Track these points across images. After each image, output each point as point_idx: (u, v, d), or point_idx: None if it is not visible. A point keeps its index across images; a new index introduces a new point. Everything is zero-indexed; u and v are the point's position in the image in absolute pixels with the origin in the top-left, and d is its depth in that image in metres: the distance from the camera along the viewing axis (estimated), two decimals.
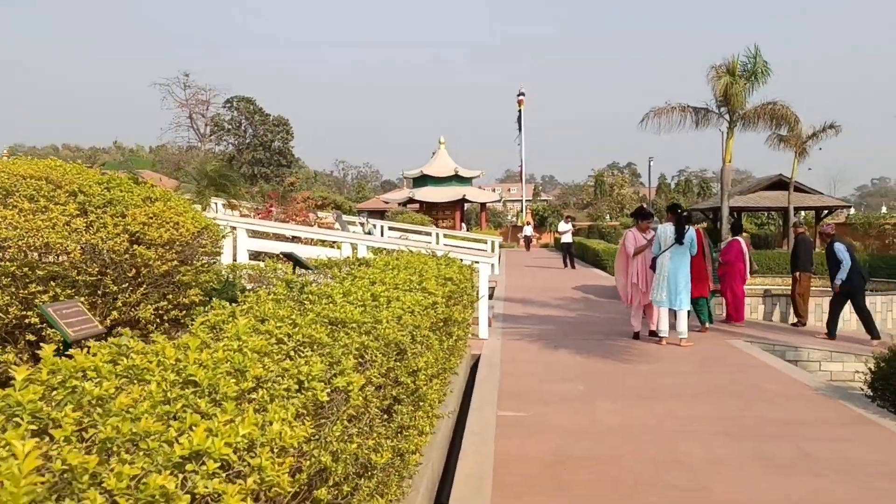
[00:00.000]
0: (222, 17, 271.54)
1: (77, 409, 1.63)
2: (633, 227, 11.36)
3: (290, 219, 14.36)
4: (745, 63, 24.39)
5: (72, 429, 1.51)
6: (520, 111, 55.24)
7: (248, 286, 8.50)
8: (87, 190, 5.21)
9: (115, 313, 5.01)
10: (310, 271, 7.97)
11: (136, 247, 5.10)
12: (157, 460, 1.50)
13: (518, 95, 55.36)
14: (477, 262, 10.46)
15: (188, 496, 1.45)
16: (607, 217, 62.41)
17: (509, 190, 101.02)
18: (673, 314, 10.16)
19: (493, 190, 73.19)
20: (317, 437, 2.29)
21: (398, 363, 3.47)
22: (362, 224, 20.57)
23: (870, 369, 6.90)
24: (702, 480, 4.73)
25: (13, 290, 4.65)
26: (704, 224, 37.08)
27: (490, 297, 16.42)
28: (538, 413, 6.42)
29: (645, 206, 14.56)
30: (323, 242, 12.19)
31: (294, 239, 12.59)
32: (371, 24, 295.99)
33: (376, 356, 3.01)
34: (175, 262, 5.35)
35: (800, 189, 34.80)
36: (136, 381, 1.92)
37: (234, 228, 10.58)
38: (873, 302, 12.90)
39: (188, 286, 5.58)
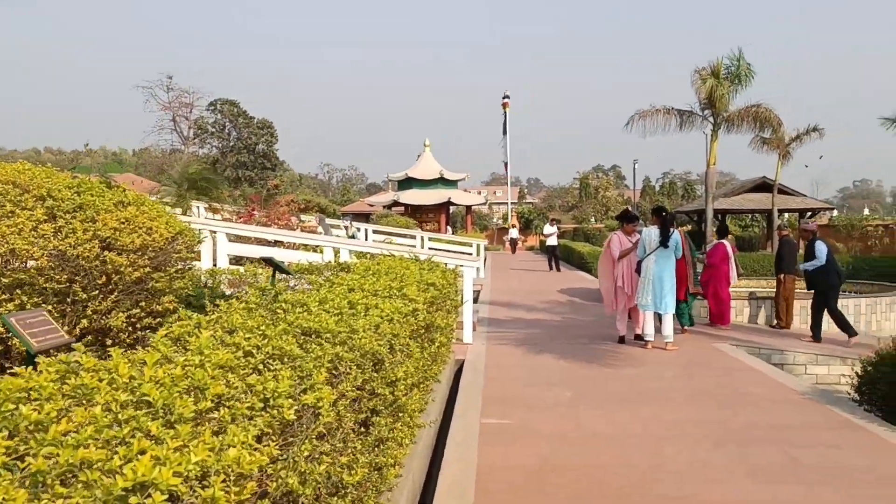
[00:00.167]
0: (222, 17, 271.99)
1: (12, 435, 1.49)
2: (619, 230, 11.29)
3: (272, 222, 14.18)
4: (729, 66, 24.48)
5: (2, 459, 1.38)
6: (505, 114, 55.18)
7: (228, 292, 8.34)
8: (56, 194, 5.04)
9: (84, 322, 4.85)
10: (290, 276, 7.83)
11: (106, 253, 4.94)
12: (97, 494, 1.36)
13: (503, 98, 55.30)
14: (461, 266, 10.34)
15: None
16: (592, 220, 62.50)
17: (495, 193, 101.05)
18: (658, 318, 10.09)
19: (479, 193, 73.13)
20: (284, 457, 2.16)
21: (375, 374, 3.34)
22: (346, 227, 20.40)
23: (856, 373, 6.84)
24: (689, 488, 4.63)
25: None
26: (688, 227, 37.24)
27: (475, 300, 16.31)
28: (523, 419, 6.31)
29: (630, 208, 14.50)
30: (306, 247, 12.03)
31: (276, 243, 12.42)
32: (371, 24, 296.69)
33: (351, 368, 2.88)
34: (148, 269, 5.19)
35: (783, 191, 34.98)
36: (84, 403, 1.78)
37: (214, 232, 10.41)
38: (858, 304, 12.90)
39: (162, 293, 5.42)
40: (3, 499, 1.25)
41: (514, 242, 41.40)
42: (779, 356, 9.82)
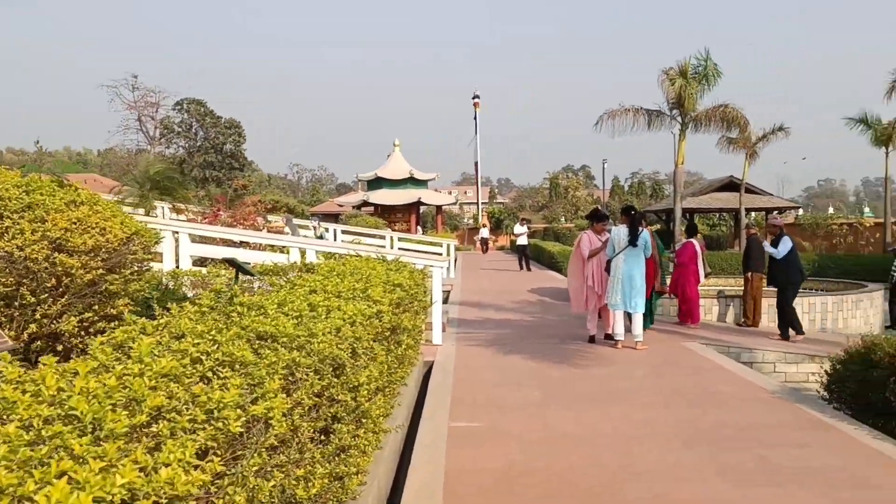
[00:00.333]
0: (222, 17, 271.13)
1: None
2: (588, 229, 11.24)
3: (237, 223, 13.92)
4: (697, 66, 24.68)
5: None
6: (475, 115, 55.19)
7: (190, 294, 8.12)
8: (3, 193, 4.81)
9: (33, 326, 4.64)
10: (253, 278, 7.64)
11: (57, 254, 4.73)
12: None
13: (473, 98, 55.31)
14: (430, 266, 10.21)
15: None
16: (562, 219, 62.70)
17: (466, 193, 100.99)
18: (628, 317, 10.04)
19: (450, 193, 73.04)
20: (232, 472, 2.01)
21: (336, 380, 3.20)
22: (314, 228, 20.15)
23: (826, 371, 6.83)
24: (659, 488, 4.55)
25: None
26: (657, 226, 37.50)
27: (445, 301, 16.18)
28: (492, 421, 6.19)
29: (600, 207, 14.48)
30: (272, 248, 11.81)
31: (242, 244, 12.18)
32: (371, 24, 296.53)
33: (308, 375, 2.73)
34: (101, 271, 4.98)
35: (750, 190, 35.39)
36: (3, 418, 1.62)
37: (177, 233, 10.16)
38: (825, 302, 13.01)
39: (117, 296, 5.22)
40: None
41: (484, 242, 41.37)
42: (748, 354, 9.83)
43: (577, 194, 73.45)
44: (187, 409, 1.89)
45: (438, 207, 46.79)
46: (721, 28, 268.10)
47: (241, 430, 1.96)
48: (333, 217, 43.57)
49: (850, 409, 6.26)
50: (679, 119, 25.60)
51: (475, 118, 53.89)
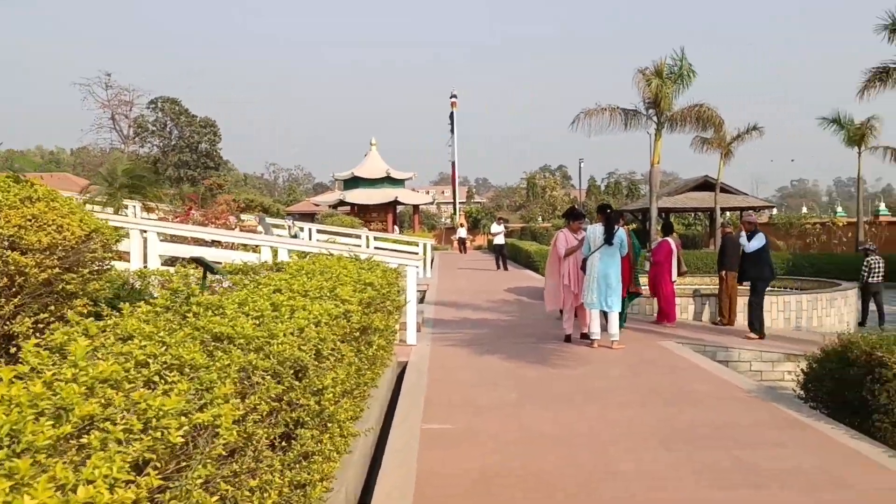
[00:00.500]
0: (222, 17, 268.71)
1: None
2: (565, 227, 11.16)
3: (209, 222, 13.66)
4: (672, 66, 24.76)
5: None
6: (452, 114, 55.03)
7: (157, 294, 7.89)
8: None
9: None
10: (221, 277, 7.44)
11: (10, 252, 4.52)
12: None
13: (451, 98, 55.15)
14: (404, 265, 10.06)
15: None
16: (539, 219, 62.79)
17: (443, 192, 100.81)
18: (604, 316, 9.96)
19: (427, 192, 72.84)
20: (174, 486, 1.85)
21: (298, 383, 3.04)
22: (289, 227, 19.90)
23: (802, 370, 6.78)
24: (637, 493, 4.44)
25: None
26: (634, 225, 37.63)
27: (421, 300, 16.05)
28: (467, 423, 6.06)
29: (577, 206, 14.41)
30: (245, 247, 11.59)
31: (214, 243, 11.94)
32: (371, 24, 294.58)
33: (265, 378, 2.58)
34: (57, 270, 4.78)
35: (725, 190, 35.62)
36: None
37: (145, 232, 9.91)
38: (799, 301, 13.04)
39: (74, 296, 5.01)
40: None
41: (462, 242, 41.24)
42: (724, 353, 9.79)
43: (554, 194, 73.58)
44: (123, 418, 1.73)
45: (415, 207, 46.61)
46: (721, 28, 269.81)
47: (184, 439, 1.81)
48: (310, 217, 43.22)
49: (827, 407, 6.21)
50: (655, 119, 25.66)
51: (452, 117, 53.68)
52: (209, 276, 7.47)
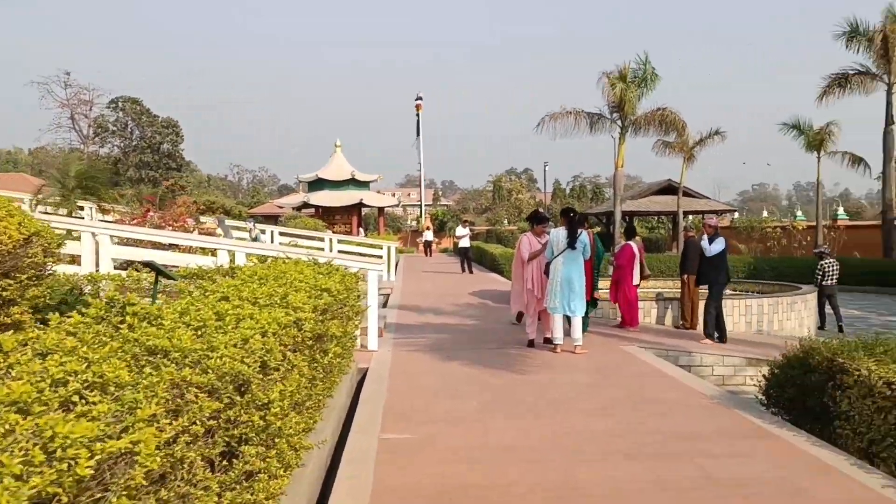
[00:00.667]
0: (222, 17, 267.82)
1: None
2: (529, 231, 11.08)
3: (167, 224, 13.33)
4: (636, 70, 24.96)
5: None
6: (418, 116, 54.93)
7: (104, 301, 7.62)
8: None
9: None
10: (174, 282, 7.19)
11: None
12: None
13: (416, 100, 55.04)
14: (366, 269, 9.88)
15: None
16: (505, 221, 62.95)
17: (409, 195, 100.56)
18: (568, 320, 9.88)
19: (393, 194, 72.55)
20: None
21: (240, 398, 2.86)
22: (250, 230, 19.56)
23: (764, 376, 6.75)
24: None
25: None
26: (597, 228, 37.86)
27: (384, 305, 15.87)
28: (427, 433, 5.90)
29: (541, 209, 14.34)
30: (203, 250, 11.30)
31: (171, 246, 11.63)
32: (371, 24, 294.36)
33: (199, 396, 2.40)
34: None
35: (688, 194, 36.03)
36: None
37: (96, 234, 9.59)
38: (760, 304, 13.12)
39: (13, 303, 4.76)
40: None
41: (428, 244, 41.08)
42: (686, 358, 9.77)
43: (519, 197, 73.88)
44: (22, 449, 1.55)
45: (381, 209, 46.37)
46: (721, 28, 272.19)
47: (95, 471, 1.63)
48: (273, 219, 42.77)
49: (789, 414, 6.18)
50: (619, 122, 25.81)
51: (417, 120, 53.58)
52: (164, 281, 7.23)
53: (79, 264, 9.65)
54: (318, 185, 40.25)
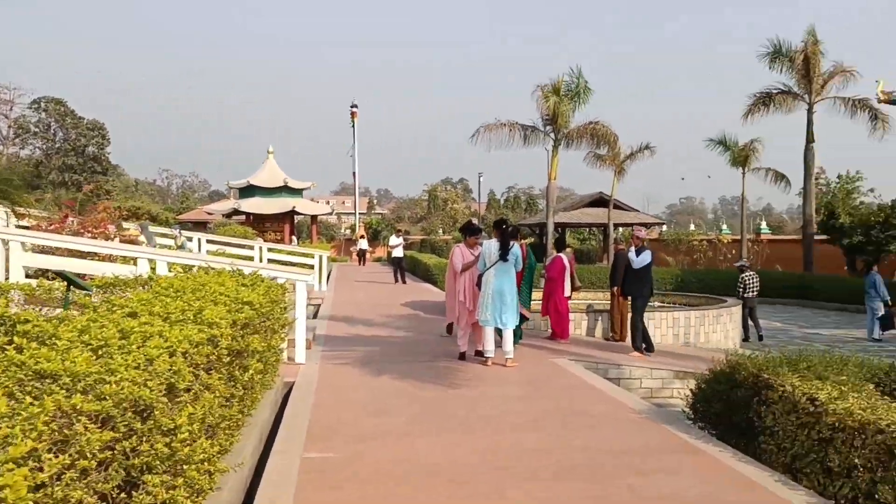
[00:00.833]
0: (222, 17, 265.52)
1: None
2: (462, 242, 11.01)
3: (86, 231, 12.74)
4: (570, 84, 25.29)
5: None
6: (353, 124, 54.48)
7: (14, 311, 7.16)
8: None
9: None
10: (90, 292, 6.82)
11: None
12: None
13: (351, 108, 54.59)
14: (294, 280, 9.62)
15: None
16: (440, 231, 63.07)
17: (344, 203, 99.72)
18: (499, 333, 9.82)
19: (327, 202, 71.84)
20: None
21: (142, 425, 2.65)
22: (176, 237, 18.94)
23: (691, 390, 6.80)
24: None
25: None
26: (530, 239, 38.21)
27: (314, 315, 15.56)
28: (353, 451, 5.70)
29: (474, 220, 14.32)
30: (125, 259, 10.82)
31: (90, 254, 11.10)
32: (371, 24, 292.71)
33: (89, 427, 2.19)
34: None
35: (619, 206, 36.71)
36: None
37: (7, 241, 9.07)
38: (687, 317, 13.36)
39: None
40: None
41: (361, 253, 40.70)
42: (615, 370, 9.83)
43: (455, 207, 74.17)
44: None
45: (314, 217, 45.79)
46: (720, 28, 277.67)
47: None
48: (202, 226, 41.69)
49: (715, 428, 6.22)
50: (552, 135, 26.10)
51: (353, 128, 53.15)
52: (78, 291, 6.84)
53: None
54: (249, 191, 39.45)
